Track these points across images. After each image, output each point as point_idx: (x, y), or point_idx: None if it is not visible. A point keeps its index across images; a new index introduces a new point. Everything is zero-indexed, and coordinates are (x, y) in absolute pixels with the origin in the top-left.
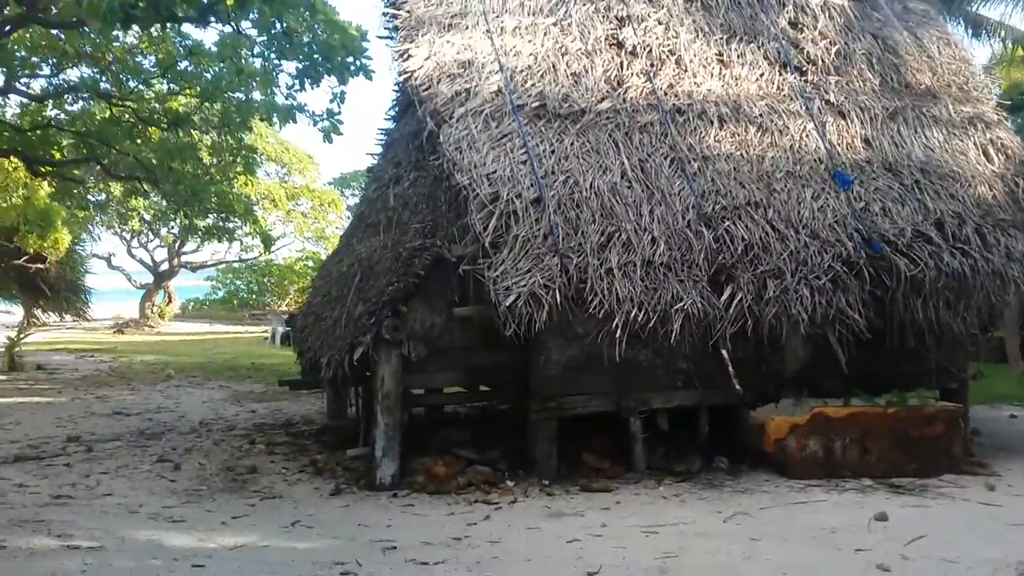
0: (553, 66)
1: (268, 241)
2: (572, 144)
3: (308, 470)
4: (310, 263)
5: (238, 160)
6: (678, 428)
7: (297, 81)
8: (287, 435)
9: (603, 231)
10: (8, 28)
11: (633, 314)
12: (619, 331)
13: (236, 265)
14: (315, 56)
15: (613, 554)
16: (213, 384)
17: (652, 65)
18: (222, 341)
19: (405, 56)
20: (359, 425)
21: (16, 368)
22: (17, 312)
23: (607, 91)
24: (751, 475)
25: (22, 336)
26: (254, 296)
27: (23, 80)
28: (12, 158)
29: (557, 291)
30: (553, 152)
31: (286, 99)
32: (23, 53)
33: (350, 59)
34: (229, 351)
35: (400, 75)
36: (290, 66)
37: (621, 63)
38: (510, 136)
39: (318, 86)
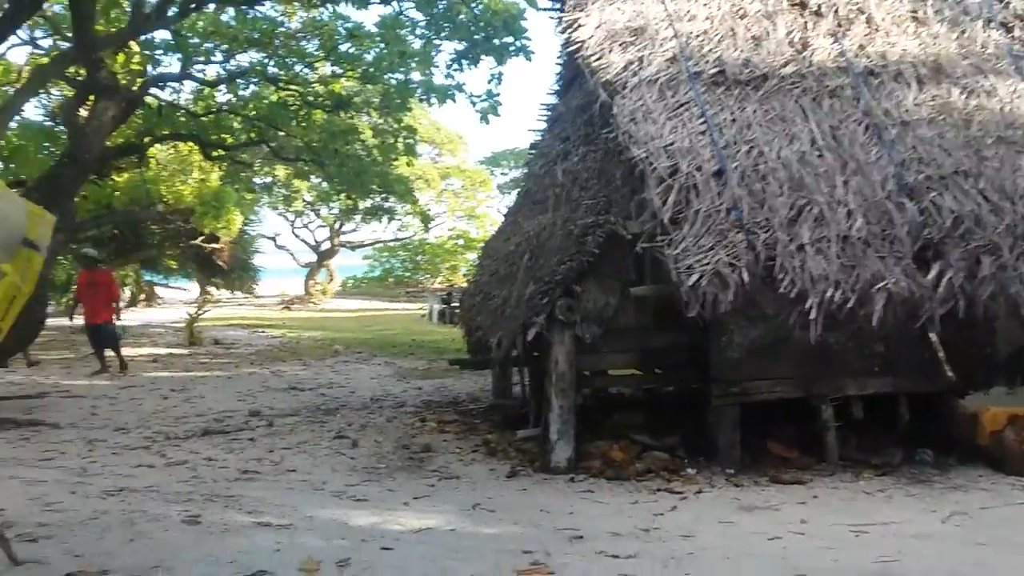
0: (731, 30)
1: (427, 220)
2: (755, 112)
3: (481, 450)
4: (460, 242)
5: (398, 141)
6: (871, 417)
7: (455, 62)
8: (455, 413)
9: (792, 204)
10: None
11: (829, 294)
12: (813, 312)
13: (392, 244)
14: (476, 37)
15: (822, 555)
16: (378, 360)
17: (839, 25)
18: (381, 318)
19: (574, 26)
20: (527, 405)
21: (196, 342)
22: (194, 289)
23: (791, 54)
24: (962, 470)
25: (200, 312)
26: (408, 274)
27: (197, 67)
28: (188, 142)
29: (744, 269)
30: (734, 121)
31: (446, 78)
32: (197, 40)
33: (509, 39)
34: (389, 328)
35: (568, 46)
36: (449, 46)
37: (805, 24)
38: (687, 105)
39: (476, 67)
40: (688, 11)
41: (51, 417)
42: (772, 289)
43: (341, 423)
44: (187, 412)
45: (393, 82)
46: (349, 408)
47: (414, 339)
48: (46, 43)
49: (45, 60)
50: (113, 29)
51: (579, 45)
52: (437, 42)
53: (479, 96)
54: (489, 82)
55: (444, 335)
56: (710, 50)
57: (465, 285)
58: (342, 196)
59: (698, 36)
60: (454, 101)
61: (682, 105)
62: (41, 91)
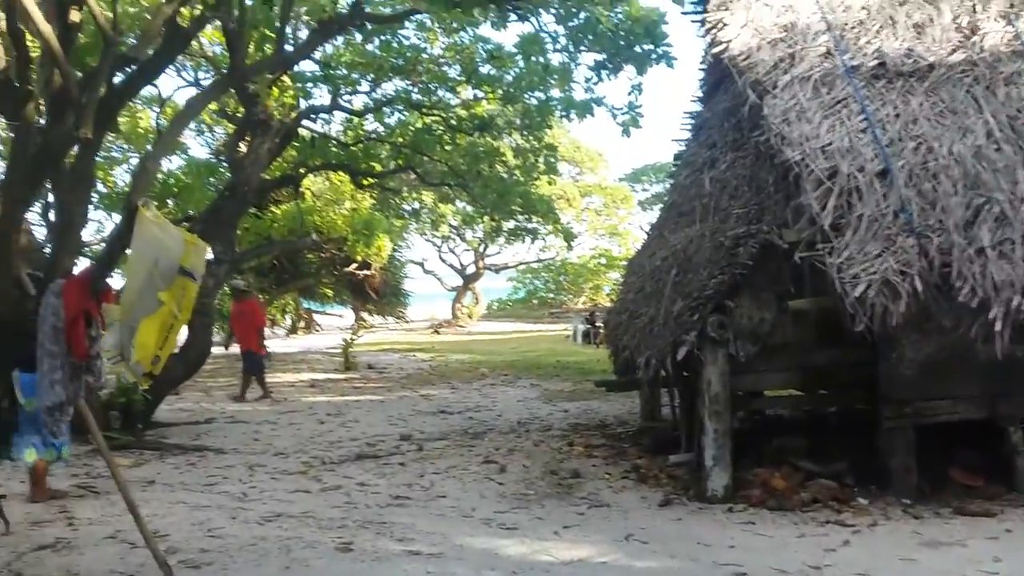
0: (890, 18)
1: (570, 237)
2: (921, 105)
3: (631, 476)
4: (603, 261)
5: (539, 160)
6: None
7: (595, 73)
8: (603, 437)
9: (969, 204)
10: (336, 28)
11: (1016, 302)
12: (998, 323)
13: (535, 265)
14: (616, 45)
15: None
16: (524, 382)
17: (1012, 6)
18: (526, 339)
19: (719, 26)
20: (677, 428)
21: (351, 367)
22: (348, 316)
23: (959, 41)
24: None
25: (355, 338)
26: (551, 295)
27: (345, 97)
28: (339, 172)
29: (916, 277)
30: (898, 116)
31: (585, 92)
32: (344, 72)
33: (650, 46)
34: (534, 349)
35: (712, 48)
36: (588, 58)
37: (973, 7)
38: (845, 101)
39: (616, 77)
40: (842, 2)
41: (216, 442)
42: (949, 298)
43: (489, 447)
44: (342, 436)
45: (533, 101)
46: (496, 431)
47: (559, 360)
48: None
49: (212, 104)
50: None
51: (725, 46)
52: (576, 54)
53: (620, 109)
54: (630, 93)
55: (589, 356)
56: (868, 41)
57: (608, 304)
58: (486, 218)
59: (854, 28)
60: (593, 115)
61: (839, 102)
62: (203, 127)
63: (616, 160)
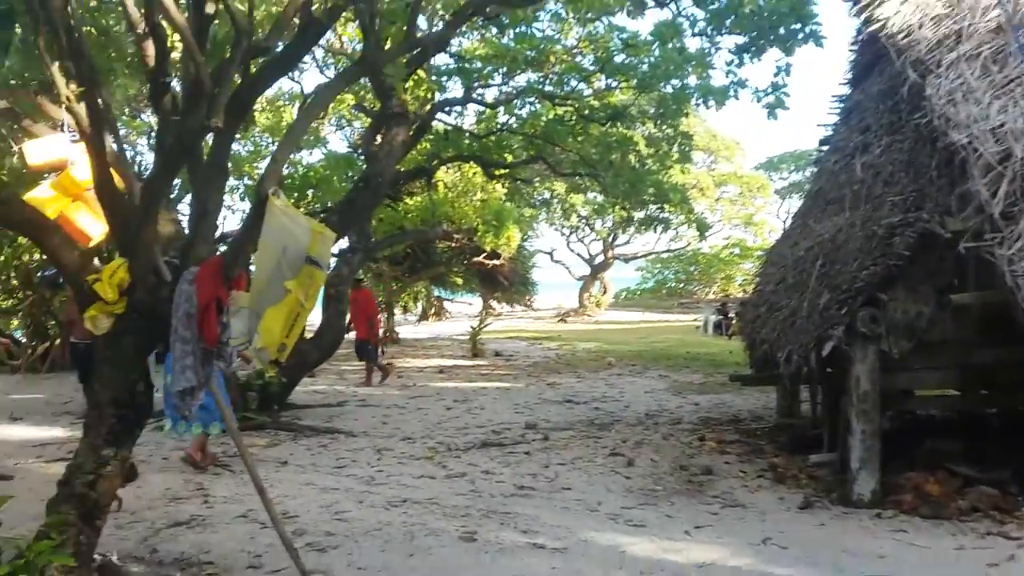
0: None
1: (703, 228)
2: None
3: (768, 476)
4: (736, 251)
5: (673, 149)
6: None
7: (736, 57)
8: (736, 432)
9: None
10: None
11: None
12: None
13: (664, 255)
14: (763, 25)
15: None
16: (652, 373)
17: None
18: (655, 330)
19: (875, 4)
20: (817, 426)
21: (478, 354)
22: (476, 304)
23: None
24: None
25: (483, 325)
26: (681, 285)
27: (479, 91)
28: (471, 163)
29: None
30: None
31: (726, 76)
32: (479, 64)
33: (797, 26)
34: (663, 340)
35: (867, 26)
36: (729, 42)
37: None
38: (1019, 80)
39: (758, 60)
40: None
41: (347, 425)
42: None
43: (616, 439)
44: (468, 423)
45: (669, 89)
46: (624, 423)
47: (688, 352)
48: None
49: (351, 98)
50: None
51: (882, 24)
52: (717, 38)
53: (764, 90)
54: (776, 74)
55: (720, 347)
56: None
57: (740, 295)
58: (617, 208)
59: None
60: (737, 98)
61: (1012, 81)
62: (342, 122)
63: (753, 148)
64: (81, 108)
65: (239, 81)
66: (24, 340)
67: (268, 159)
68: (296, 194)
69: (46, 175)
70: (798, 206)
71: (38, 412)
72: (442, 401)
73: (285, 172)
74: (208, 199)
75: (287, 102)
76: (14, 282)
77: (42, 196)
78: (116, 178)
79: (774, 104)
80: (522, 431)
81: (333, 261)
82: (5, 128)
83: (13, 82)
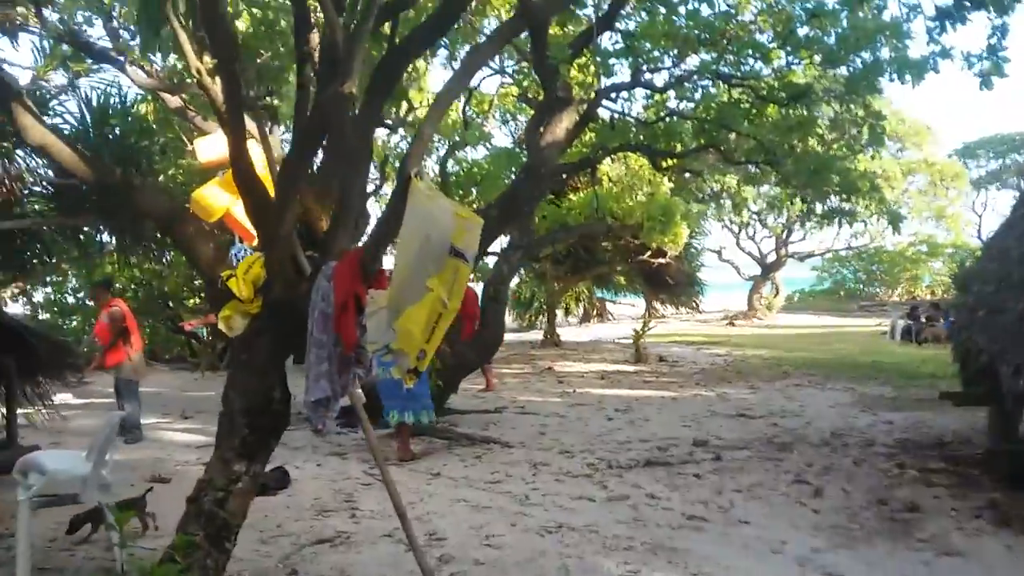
0: None
1: (896, 220)
2: None
3: (986, 515)
4: (923, 248)
5: (862, 132)
6: None
7: (937, 24)
8: (942, 459)
9: None
10: None
11: None
12: None
13: (843, 253)
14: None
15: None
16: (835, 385)
17: None
18: (833, 335)
19: None
20: None
21: (641, 360)
22: (640, 305)
23: None
24: None
25: (646, 329)
26: (862, 286)
27: (647, 75)
28: (637, 154)
29: None
30: None
31: (928, 44)
32: (648, 46)
33: None
34: (843, 346)
35: None
36: (928, 6)
37: None
38: None
39: (963, 25)
40: None
41: (504, 435)
42: None
43: (799, 463)
44: (630, 436)
45: (858, 62)
46: (806, 443)
47: (875, 360)
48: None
49: (514, 88)
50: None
51: None
52: (917, 4)
53: (977, 55)
54: (990, 37)
55: (910, 356)
56: None
57: (929, 297)
58: (794, 200)
59: None
60: (937, 71)
61: None
62: (507, 116)
63: (944, 134)
64: (215, 83)
65: (385, 52)
66: (207, 337)
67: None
68: (460, 191)
69: (220, 172)
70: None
71: (209, 410)
72: (603, 411)
73: (450, 170)
74: (349, 184)
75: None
76: (198, 280)
77: (210, 193)
78: (262, 164)
79: (990, 70)
80: (690, 448)
81: (492, 260)
82: (179, 125)
83: (186, 79)
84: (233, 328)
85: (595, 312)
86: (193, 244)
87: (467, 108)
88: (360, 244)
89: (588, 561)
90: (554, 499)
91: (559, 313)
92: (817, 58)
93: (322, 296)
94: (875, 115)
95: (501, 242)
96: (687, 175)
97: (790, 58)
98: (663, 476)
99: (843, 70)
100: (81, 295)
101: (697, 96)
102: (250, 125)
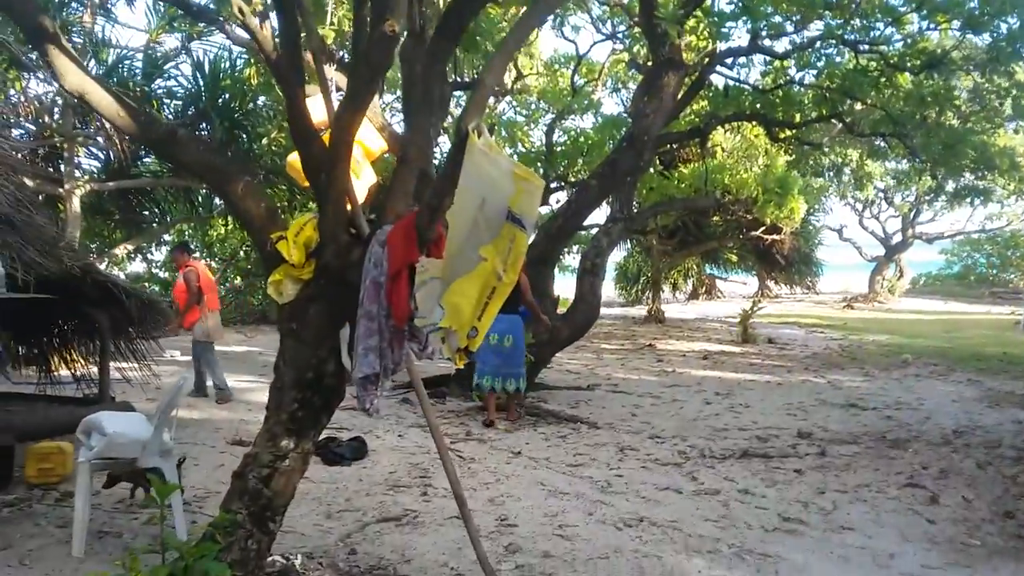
0: None
1: None
2: None
3: None
4: None
5: (1005, 104)
6: None
7: None
8: None
9: None
10: None
11: None
12: None
13: (976, 236)
14: None
15: None
16: (959, 377)
17: None
18: (960, 323)
19: None
20: None
21: (749, 340)
22: (752, 284)
23: None
24: None
25: (756, 308)
26: (995, 272)
27: (764, 40)
28: (753, 123)
29: None
30: None
31: None
32: (769, 9)
33: None
34: (971, 336)
35: None
36: None
37: None
38: None
39: None
40: None
41: (593, 414)
42: None
43: (914, 463)
44: (728, 423)
45: (1003, 28)
46: (923, 441)
47: (1005, 352)
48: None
49: (624, 54)
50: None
51: None
52: None
53: None
54: None
55: None
56: None
57: None
58: (924, 177)
59: None
60: None
61: None
62: (617, 85)
63: None
64: (259, 23)
65: None
66: None
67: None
68: (565, 161)
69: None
70: None
71: None
72: (702, 393)
73: (556, 139)
74: (407, 139)
75: (562, 66)
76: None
77: None
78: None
79: None
80: (793, 440)
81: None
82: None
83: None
84: (284, 294)
85: (703, 289)
86: (242, 203)
87: (576, 75)
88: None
89: (667, 562)
90: (638, 488)
91: (666, 289)
92: (955, 23)
93: (374, 263)
94: (1020, 86)
95: (599, 214)
96: (806, 147)
97: (924, 23)
98: (760, 470)
99: (985, 36)
100: (196, 255)
101: (820, 63)
102: (331, 74)
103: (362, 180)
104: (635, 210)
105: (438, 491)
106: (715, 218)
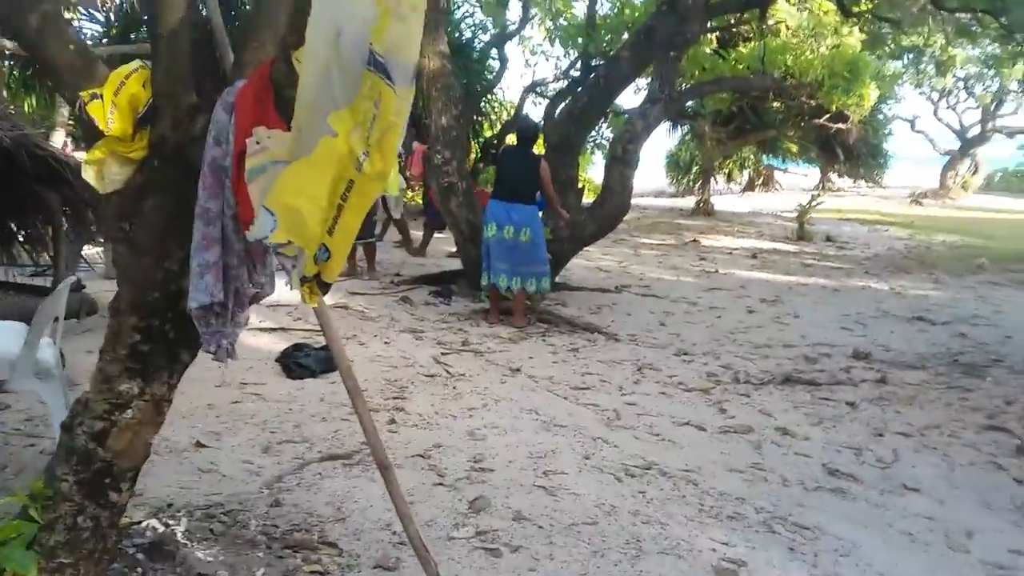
0: None
1: None
2: None
3: None
4: None
5: None
6: None
7: None
8: None
9: None
10: None
11: None
12: None
13: None
14: None
15: None
16: None
17: None
18: None
19: None
20: None
21: (804, 237)
22: (813, 176)
23: None
24: None
25: (815, 203)
26: None
27: None
28: None
29: None
30: None
31: None
32: None
33: None
34: None
35: None
36: None
37: None
38: None
39: None
40: None
41: (615, 322)
42: None
43: (994, 397)
44: (771, 338)
45: None
46: (1005, 368)
47: None
48: None
49: None
50: None
51: None
52: None
53: None
54: None
55: None
56: None
57: None
58: (1018, 62)
59: None
60: None
61: None
62: None
63: None
64: None
65: None
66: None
67: None
68: (609, 36)
69: None
70: None
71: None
72: (744, 298)
73: (599, 12)
74: None
75: None
76: None
77: None
78: None
79: None
80: (847, 362)
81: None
82: None
83: None
84: (106, 179)
85: (760, 181)
86: (42, 44)
87: None
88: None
89: (670, 533)
90: (651, 423)
91: (720, 180)
92: None
93: (216, 138)
94: None
95: (628, 94)
96: (883, 26)
97: None
98: (804, 401)
99: None
100: None
101: None
102: None
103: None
104: (678, 90)
105: (410, 417)
106: (775, 104)
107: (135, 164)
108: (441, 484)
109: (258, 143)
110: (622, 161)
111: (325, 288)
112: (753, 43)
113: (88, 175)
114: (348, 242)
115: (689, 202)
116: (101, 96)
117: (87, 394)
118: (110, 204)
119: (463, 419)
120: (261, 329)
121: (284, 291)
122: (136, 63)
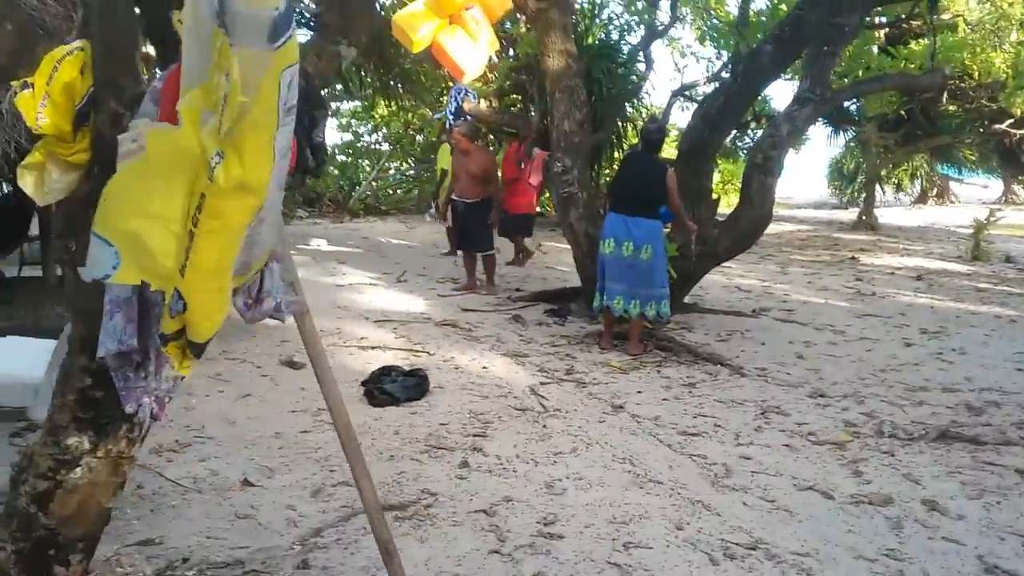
0: None
1: None
2: None
3: None
4: None
5: None
6: None
7: None
8: None
9: None
10: None
11: None
12: None
13: None
14: None
15: None
16: None
17: None
18: None
19: None
20: None
21: (980, 257)
22: (994, 187)
23: None
24: None
25: (994, 218)
26: None
27: None
28: None
29: None
30: None
31: None
32: None
33: None
34: None
35: None
36: None
37: None
38: None
39: None
40: None
41: (744, 352)
42: None
43: None
44: (929, 379)
45: None
46: None
47: None
48: None
49: None
50: None
51: None
52: None
53: None
54: None
55: None
56: None
57: None
58: None
59: None
60: None
61: None
62: None
63: None
64: None
65: None
66: None
67: None
68: (761, 35)
69: None
70: None
71: (439, 274)
72: (903, 328)
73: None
74: None
75: None
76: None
77: (413, 16)
78: None
79: None
80: (1021, 415)
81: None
82: None
83: None
84: (46, 189)
85: (934, 192)
86: None
87: None
88: None
89: None
90: (766, 483)
91: (888, 191)
92: None
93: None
94: None
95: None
96: None
97: None
98: (963, 465)
99: None
100: None
101: None
102: None
103: (480, 47)
104: (832, 91)
105: (486, 460)
106: (950, 107)
107: (80, 170)
108: (497, 552)
109: (134, 141)
110: (762, 169)
111: (198, 350)
112: (926, 40)
113: (25, 183)
114: (212, 288)
115: (851, 215)
116: (31, 85)
117: (34, 446)
118: (53, 219)
119: (545, 465)
120: (360, 347)
121: (392, 304)
122: (77, 43)
